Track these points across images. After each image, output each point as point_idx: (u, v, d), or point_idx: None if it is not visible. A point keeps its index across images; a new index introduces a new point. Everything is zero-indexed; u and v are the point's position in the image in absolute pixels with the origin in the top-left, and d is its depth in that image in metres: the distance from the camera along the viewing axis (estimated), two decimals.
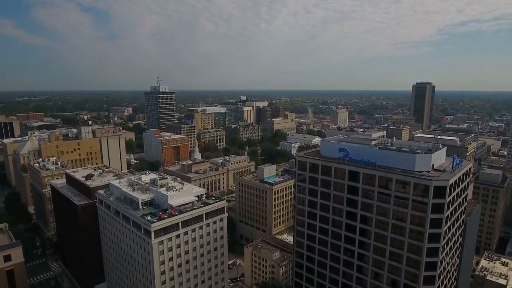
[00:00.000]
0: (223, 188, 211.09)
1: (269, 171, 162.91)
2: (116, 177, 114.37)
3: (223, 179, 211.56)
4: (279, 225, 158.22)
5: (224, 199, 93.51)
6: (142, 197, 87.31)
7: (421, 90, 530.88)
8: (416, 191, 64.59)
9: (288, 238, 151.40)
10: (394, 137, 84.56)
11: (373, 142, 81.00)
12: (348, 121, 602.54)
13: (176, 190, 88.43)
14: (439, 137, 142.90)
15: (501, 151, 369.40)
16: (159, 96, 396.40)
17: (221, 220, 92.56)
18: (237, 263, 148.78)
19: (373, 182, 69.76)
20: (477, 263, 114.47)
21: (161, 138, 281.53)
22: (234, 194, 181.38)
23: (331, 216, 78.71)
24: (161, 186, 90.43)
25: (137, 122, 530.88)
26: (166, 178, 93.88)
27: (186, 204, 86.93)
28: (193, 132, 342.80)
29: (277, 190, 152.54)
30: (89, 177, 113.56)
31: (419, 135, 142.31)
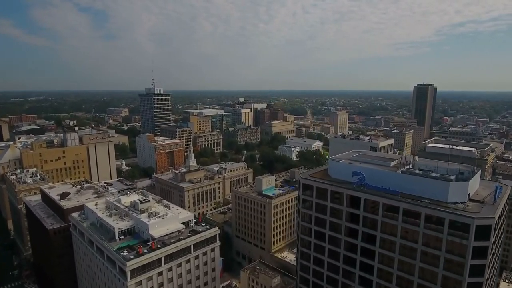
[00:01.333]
0: (219, 198, 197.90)
1: (268, 182, 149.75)
2: (96, 195, 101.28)
3: (219, 188, 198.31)
4: (279, 242, 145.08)
5: (216, 225, 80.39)
6: (119, 225, 74.26)
7: (423, 91, 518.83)
8: (452, 229, 51.78)
9: (289, 257, 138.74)
10: (416, 157, 71.07)
11: (392, 163, 67.97)
12: (348, 123, 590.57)
13: (160, 217, 75.33)
14: (454, 147, 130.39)
15: (505, 155, 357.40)
16: (153, 99, 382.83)
17: (213, 250, 79.50)
18: (233, 285, 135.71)
19: (396, 215, 56.95)
20: (497, 285, 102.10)
21: (155, 143, 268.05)
22: (230, 205, 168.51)
23: (343, 251, 65.70)
24: (142, 211, 77.35)
25: (133, 124, 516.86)
26: (149, 201, 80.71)
27: (171, 233, 73.94)
28: (188, 136, 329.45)
29: (277, 205, 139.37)
30: (64, 195, 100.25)
31: (431, 145, 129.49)
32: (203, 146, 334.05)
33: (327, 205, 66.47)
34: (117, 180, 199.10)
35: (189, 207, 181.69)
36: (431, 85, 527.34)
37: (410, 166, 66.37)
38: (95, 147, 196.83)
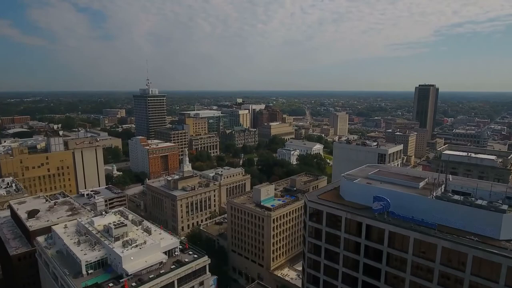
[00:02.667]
0: (215, 206, 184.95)
1: (267, 192, 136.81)
2: (70, 213, 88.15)
3: (215, 196, 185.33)
4: (279, 258, 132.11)
5: (205, 254, 67.13)
6: (87, 256, 61.35)
7: (424, 92, 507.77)
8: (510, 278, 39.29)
9: (290, 275, 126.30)
10: (450, 176, 58.19)
11: (421, 184, 55.05)
12: (348, 124, 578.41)
13: (137, 245, 62.38)
14: (472, 155, 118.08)
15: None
16: (148, 100, 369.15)
17: (201, 284, 66.49)
18: None
19: (432, 254, 44.40)
20: None
21: (148, 147, 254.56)
22: (226, 215, 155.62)
23: None
24: (117, 238, 64.40)
25: (129, 125, 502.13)
26: (125, 224, 67.59)
27: (151, 266, 61.11)
28: (184, 138, 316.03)
29: (277, 218, 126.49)
30: (32, 214, 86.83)
31: (447, 152, 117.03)
32: (199, 149, 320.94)
33: (340, 236, 53.77)
34: (106, 188, 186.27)
35: (182, 217, 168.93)
36: (433, 85, 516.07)
37: (443, 187, 53.67)
38: (81, 152, 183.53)
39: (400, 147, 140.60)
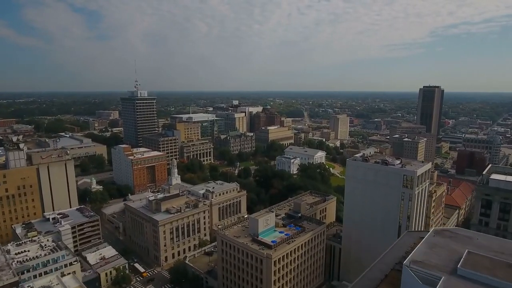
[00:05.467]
0: (205, 230, 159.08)
1: (266, 223, 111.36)
2: None
3: (205, 218, 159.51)
4: None
5: None
6: None
7: (429, 94, 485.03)
8: None
9: None
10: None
11: None
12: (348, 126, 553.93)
13: None
14: None
15: None
16: (136, 103, 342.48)
17: None
18: None
19: None
20: None
21: (132, 157, 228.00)
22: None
23: None
24: None
25: (119, 129, 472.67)
26: None
27: None
28: (174, 145, 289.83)
29: (279, 259, 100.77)
30: None
31: (495, 177, 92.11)
32: (191, 157, 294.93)
33: None
34: (77, 209, 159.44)
35: (165, 245, 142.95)
36: (438, 87, 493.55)
37: None
38: (48, 168, 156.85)
39: (429, 165, 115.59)
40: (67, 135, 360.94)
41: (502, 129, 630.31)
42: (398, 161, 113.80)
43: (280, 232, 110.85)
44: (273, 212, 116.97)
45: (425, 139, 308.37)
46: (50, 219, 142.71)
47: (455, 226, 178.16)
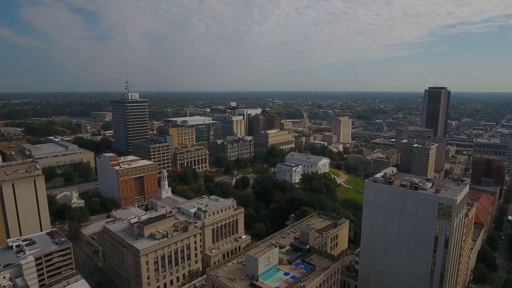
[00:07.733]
0: (196, 257, 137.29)
1: (268, 261, 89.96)
2: None
3: (196, 243, 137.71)
4: None
5: None
6: None
7: (435, 95, 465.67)
8: None
9: None
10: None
11: None
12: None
13: None
14: None
15: None
16: (127, 106, 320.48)
17: None
18: None
19: None
20: None
21: (118, 167, 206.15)
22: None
23: None
24: None
25: (111, 132, 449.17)
26: None
27: None
28: (166, 153, 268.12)
29: None
30: None
31: None
32: (185, 164, 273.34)
33: None
34: (47, 233, 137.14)
35: (148, 278, 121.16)
36: (444, 88, 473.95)
37: None
38: (13, 186, 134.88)
39: (466, 189, 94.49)
40: (57, 139, 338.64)
41: (507, 130, 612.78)
42: (430, 184, 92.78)
43: (285, 274, 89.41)
44: (276, 247, 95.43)
45: (436, 144, 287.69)
46: (14, 247, 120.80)
47: (481, 246, 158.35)
